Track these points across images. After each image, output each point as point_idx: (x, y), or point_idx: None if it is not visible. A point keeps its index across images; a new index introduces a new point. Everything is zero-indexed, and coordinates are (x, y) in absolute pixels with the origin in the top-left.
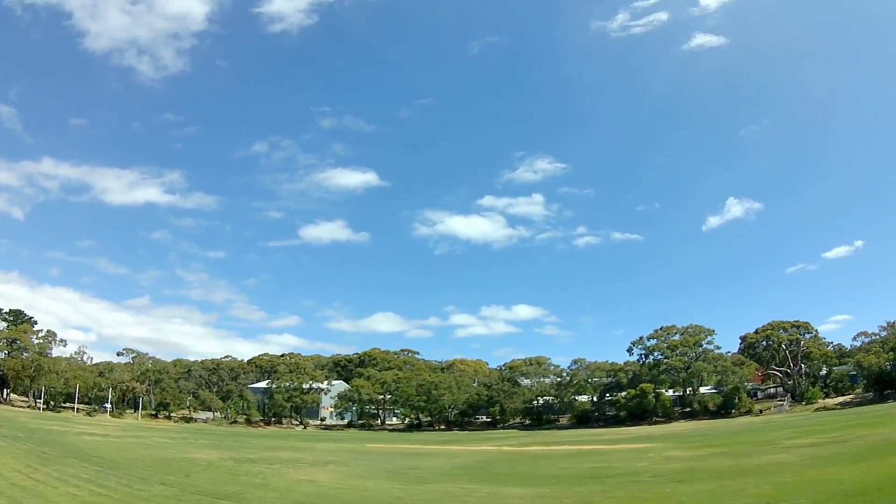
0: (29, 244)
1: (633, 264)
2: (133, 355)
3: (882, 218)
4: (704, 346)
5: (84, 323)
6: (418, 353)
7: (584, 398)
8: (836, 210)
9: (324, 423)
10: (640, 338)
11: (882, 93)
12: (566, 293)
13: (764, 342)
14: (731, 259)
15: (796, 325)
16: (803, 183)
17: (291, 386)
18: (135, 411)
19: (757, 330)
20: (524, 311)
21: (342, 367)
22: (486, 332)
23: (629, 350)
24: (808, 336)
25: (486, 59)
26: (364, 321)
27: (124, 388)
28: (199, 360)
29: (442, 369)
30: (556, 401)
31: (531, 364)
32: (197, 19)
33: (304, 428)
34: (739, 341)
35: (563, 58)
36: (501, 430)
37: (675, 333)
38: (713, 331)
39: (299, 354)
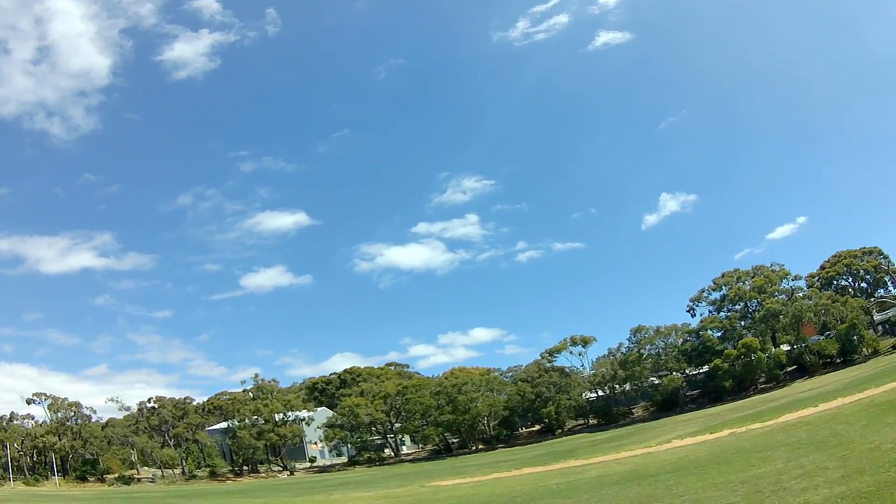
0: None
1: (578, 272)
2: (48, 402)
3: (822, 190)
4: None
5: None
6: (408, 367)
7: (655, 378)
8: (772, 190)
9: (315, 464)
10: (701, 291)
11: (796, 66)
12: (519, 310)
13: (846, 275)
14: (677, 253)
15: (868, 252)
16: (734, 168)
17: (260, 419)
18: (57, 475)
19: (823, 266)
20: (482, 334)
21: (320, 392)
22: (448, 360)
23: (690, 310)
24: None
25: (393, 83)
26: (324, 364)
27: (39, 445)
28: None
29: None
30: (623, 386)
31: (577, 343)
32: (101, 74)
33: (291, 474)
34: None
35: (470, 73)
36: (569, 438)
37: (742, 279)
38: (787, 270)
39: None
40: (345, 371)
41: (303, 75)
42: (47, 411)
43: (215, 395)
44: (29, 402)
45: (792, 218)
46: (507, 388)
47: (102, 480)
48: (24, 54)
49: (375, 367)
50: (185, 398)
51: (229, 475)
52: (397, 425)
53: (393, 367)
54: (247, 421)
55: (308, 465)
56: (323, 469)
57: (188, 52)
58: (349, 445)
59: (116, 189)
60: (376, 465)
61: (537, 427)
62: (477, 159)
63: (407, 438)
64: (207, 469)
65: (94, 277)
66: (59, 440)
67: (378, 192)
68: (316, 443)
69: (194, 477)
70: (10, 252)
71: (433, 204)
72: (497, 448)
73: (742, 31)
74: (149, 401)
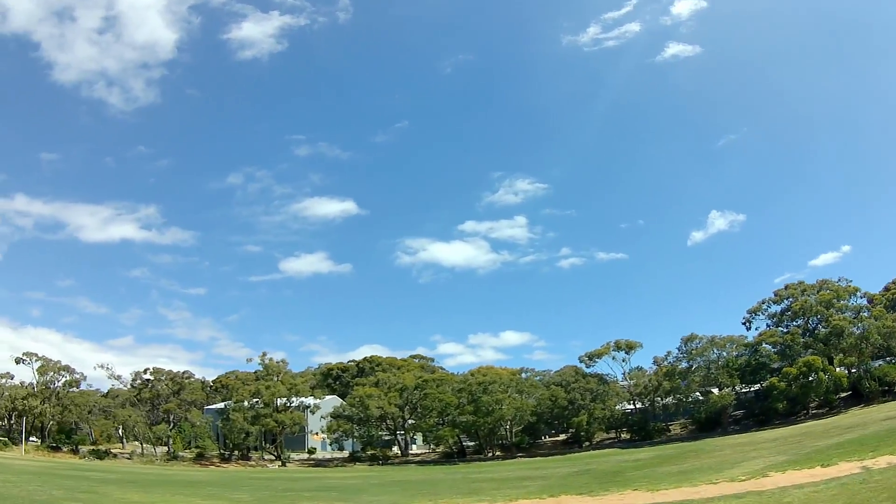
0: (8, 285)
1: (619, 284)
2: (38, 363)
3: (868, 221)
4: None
5: (72, 365)
6: (433, 361)
7: (700, 393)
8: (820, 216)
9: (313, 456)
10: (761, 303)
11: (860, 93)
12: (553, 317)
13: None
14: (718, 273)
15: None
16: (785, 191)
17: (259, 402)
18: (32, 442)
19: (888, 287)
20: (512, 337)
21: (335, 380)
22: (476, 360)
23: (746, 323)
24: None
25: (459, 78)
26: (349, 353)
27: (18, 407)
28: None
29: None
30: (665, 400)
31: (621, 348)
32: (166, 48)
33: (283, 465)
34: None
35: (536, 74)
36: (599, 454)
37: (807, 293)
38: (856, 287)
39: (274, 360)
40: (364, 359)
41: (368, 64)
42: (35, 373)
43: (225, 373)
44: (18, 361)
45: (836, 246)
46: (538, 391)
47: (76, 452)
48: (91, 23)
49: (399, 357)
50: (183, 372)
51: (215, 460)
52: (410, 422)
53: (417, 360)
54: (245, 403)
55: (306, 456)
56: (319, 463)
57: (256, 32)
58: (354, 439)
59: (167, 163)
60: (379, 464)
61: (562, 437)
62: (532, 161)
63: (419, 437)
64: (196, 450)
65: (133, 249)
66: (42, 405)
67: (430, 187)
68: (317, 433)
69: (176, 458)
70: (52, 217)
71: (484, 203)
72: (516, 456)
73: (810, 56)
74: (144, 371)
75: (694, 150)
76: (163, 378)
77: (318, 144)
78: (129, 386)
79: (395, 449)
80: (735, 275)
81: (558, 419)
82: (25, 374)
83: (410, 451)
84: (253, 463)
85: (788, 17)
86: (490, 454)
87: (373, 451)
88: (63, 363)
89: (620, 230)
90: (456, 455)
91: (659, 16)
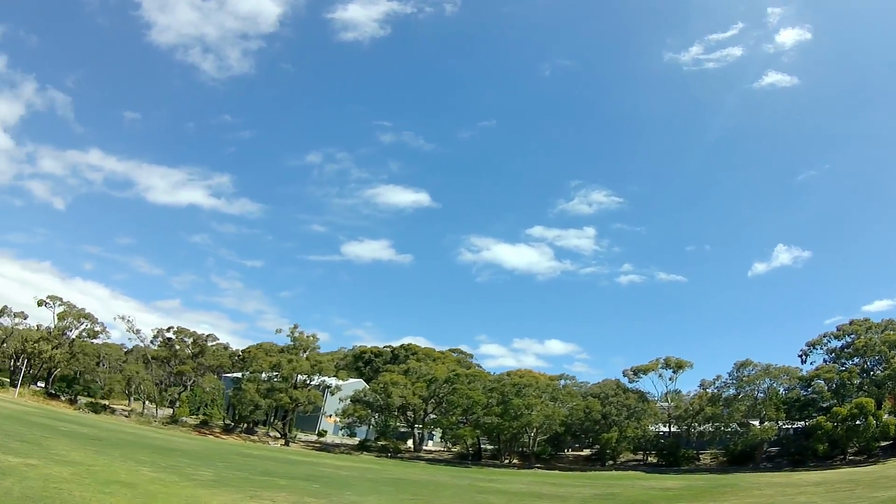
0: (66, 236)
1: (673, 306)
2: (60, 308)
3: None
4: None
5: (110, 320)
6: (472, 357)
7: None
8: (883, 261)
9: (321, 438)
10: (822, 336)
11: None
12: (601, 331)
13: None
14: (773, 307)
15: None
16: (853, 231)
17: (276, 376)
18: (39, 387)
19: None
20: (556, 346)
21: (366, 364)
22: (516, 364)
23: (802, 356)
24: None
25: (555, 83)
26: (391, 342)
27: (28, 350)
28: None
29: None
30: (703, 426)
31: (670, 366)
32: (268, 21)
33: (286, 443)
34: None
35: (631, 87)
36: (623, 475)
37: (872, 331)
38: None
39: (304, 334)
40: (401, 346)
41: (468, 58)
42: (55, 318)
43: (255, 344)
44: (40, 303)
45: (893, 294)
46: (573, 401)
47: (74, 402)
48: None
49: (437, 350)
50: (208, 335)
51: (217, 430)
52: (432, 416)
53: (455, 354)
54: (262, 374)
55: (314, 438)
56: (325, 447)
57: (361, 15)
58: (370, 427)
59: (249, 135)
60: (387, 457)
61: (585, 452)
62: (612, 173)
63: (437, 434)
64: (202, 418)
65: (199, 215)
66: (52, 350)
67: (505, 188)
68: (332, 416)
69: (177, 422)
70: (123, 175)
71: (556, 210)
72: (534, 467)
73: None
74: (167, 329)
75: (772, 182)
76: (185, 338)
77: (403, 133)
78: (148, 343)
79: (410, 443)
80: (789, 311)
81: (587, 433)
82: (47, 318)
83: (424, 447)
84: (255, 438)
85: (890, 59)
86: (507, 460)
87: (385, 442)
88: (87, 311)
89: (685, 252)
90: (471, 457)
91: (762, 42)
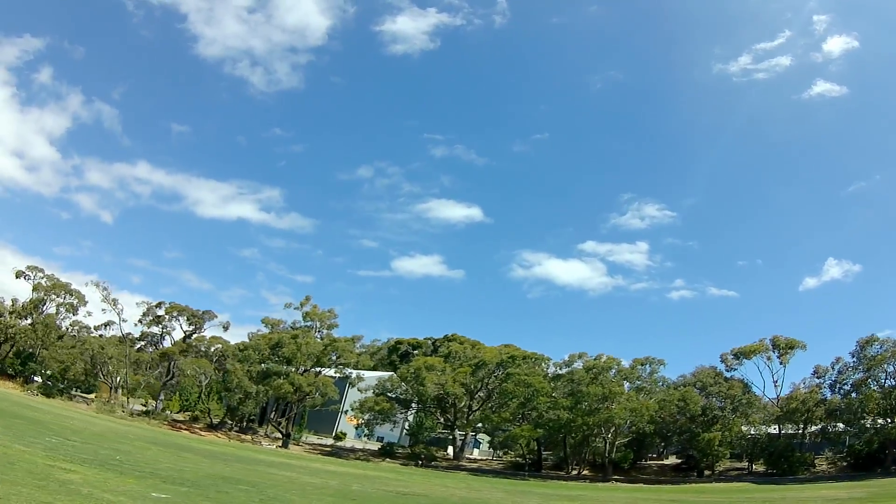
0: (114, 249)
1: (725, 321)
2: (39, 279)
3: None
4: None
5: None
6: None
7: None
8: None
9: (339, 442)
10: None
11: None
12: (652, 346)
13: None
14: (824, 322)
15: None
16: None
17: (278, 358)
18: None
19: None
20: None
21: (401, 357)
22: None
23: None
24: None
25: (606, 95)
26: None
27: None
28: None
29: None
30: (822, 424)
31: (779, 346)
32: (316, 34)
33: (284, 446)
34: None
35: (682, 99)
36: (733, 490)
37: None
38: None
39: (319, 308)
40: (444, 337)
41: (518, 71)
42: (32, 291)
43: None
44: (18, 275)
45: None
46: (668, 392)
47: (28, 382)
48: (242, 1)
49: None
50: (204, 311)
51: (198, 426)
52: (476, 413)
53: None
54: (251, 352)
55: (331, 440)
56: (336, 451)
57: (410, 28)
58: (401, 427)
59: (300, 149)
60: (417, 465)
61: (671, 459)
62: (665, 187)
63: (484, 441)
64: (195, 413)
65: (249, 230)
66: (14, 320)
67: (558, 202)
68: (353, 416)
69: (149, 415)
70: (171, 189)
71: (609, 225)
72: (610, 479)
73: None
74: (157, 305)
75: (823, 194)
76: (178, 315)
77: (455, 147)
78: (137, 321)
79: (450, 451)
80: (839, 325)
81: (680, 433)
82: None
83: (468, 456)
84: (248, 438)
85: None
86: (575, 471)
87: (417, 449)
88: (69, 285)
89: (737, 267)
90: (528, 467)
91: (810, 51)
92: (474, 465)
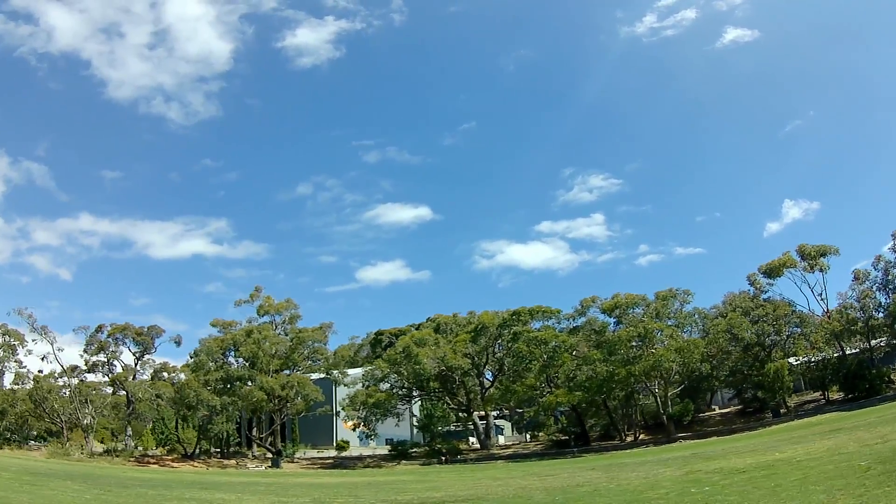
0: (80, 305)
1: (698, 279)
2: None
3: None
4: None
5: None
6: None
7: None
8: (892, 197)
9: (343, 453)
10: None
11: None
12: None
13: None
14: None
15: None
16: (858, 175)
17: (237, 361)
18: None
19: None
20: None
21: (385, 349)
22: None
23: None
24: None
25: (522, 75)
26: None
27: None
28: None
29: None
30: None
31: (808, 256)
32: (221, 59)
33: (275, 465)
34: None
35: (598, 68)
36: (823, 421)
37: None
38: None
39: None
40: (428, 320)
41: (429, 65)
42: None
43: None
44: None
45: None
46: (712, 323)
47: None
48: (140, 38)
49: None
50: (150, 327)
51: (167, 458)
52: (492, 389)
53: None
54: (208, 361)
55: (334, 452)
56: (341, 462)
57: (312, 39)
58: (407, 423)
59: (235, 176)
60: (442, 462)
61: (733, 406)
62: (604, 156)
63: (506, 427)
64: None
65: (206, 264)
66: None
67: (502, 188)
68: (351, 421)
69: (110, 453)
70: (119, 236)
71: (559, 202)
72: (676, 438)
73: (873, 29)
74: (98, 329)
75: (761, 138)
76: (124, 336)
77: (387, 150)
78: (80, 353)
79: (473, 440)
80: None
81: (734, 372)
82: None
83: (496, 443)
84: (232, 463)
85: None
86: (630, 437)
87: (436, 444)
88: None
89: (697, 224)
90: (575, 441)
91: (712, 0)
92: (508, 452)
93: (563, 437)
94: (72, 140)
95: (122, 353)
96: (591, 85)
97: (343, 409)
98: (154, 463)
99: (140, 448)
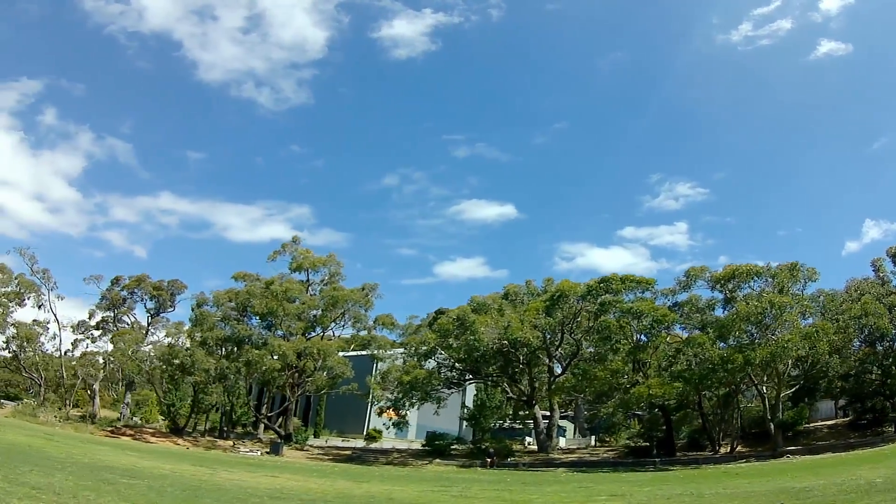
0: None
1: None
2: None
3: None
4: None
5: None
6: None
7: None
8: None
9: (372, 444)
10: None
11: None
12: None
13: None
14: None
15: None
16: None
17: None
18: None
19: None
20: None
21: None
22: None
23: None
24: None
25: (616, 78)
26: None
27: None
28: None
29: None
30: None
31: None
32: (315, 47)
33: (272, 451)
34: None
35: (692, 74)
36: None
37: None
38: None
39: (314, 254)
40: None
41: (524, 62)
42: None
43: None
44: None
45: None
46: (835, 308)
47: None
48: (233, 22)
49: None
50: (172, 281)
51: (148, 432)
52: (565, 376)
53: None
54: (215, 311)
55: (362, 442)
56: (359, 455)
57: (408, 31)
58: (457, 415)
59: (321, 164)
60: (486, 466)
61: (839, 417)
62: (692, 164)
63: (569, 428)
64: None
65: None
66: None
67: (588, 191)
68: (390, 409)
69: (87, 419)
70: (199, 216)
71: (644, 208)
72: (783, 454)
73: None
74: (115, 281)
75: (848, 154)
76: (140, 291)
77: (477, 146)
78: (91, 310)
79: (530, 442)
80: None
81: (864, 371)
82: None
83: (556, 445)
84: (227, 443)
85: None
86: (727, 447)
87: (486, 441)
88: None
89: (778, 238)
90: (659, 449)
91: (808, 11)
92: (571, 458)
93: (643, 444)
94: (158, 119)
95: (135, 309)
96: (683, 90)
97: (371, 386)
98: (129, 435)
99: (136, 418)
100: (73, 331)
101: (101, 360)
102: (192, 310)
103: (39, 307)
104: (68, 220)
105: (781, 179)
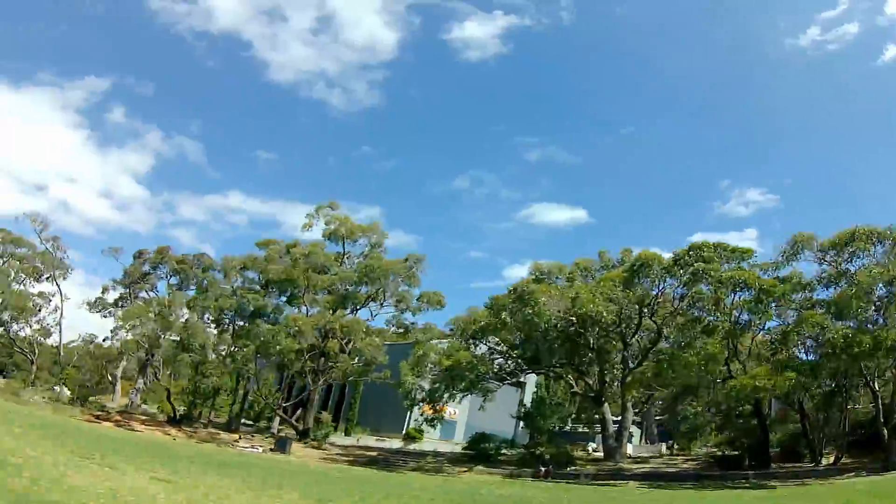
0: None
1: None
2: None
3: None
4: None
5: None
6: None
7: None
8: None
9: (411, 445)
10: None
11: None
12: None
13: None
14: None
15: None
16: None
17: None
18: None
19: None
20: None
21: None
22: None
23: None
24: None
25: (682, 82)
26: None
27: None
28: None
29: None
30: None
31: None
32: (386, 48)
33: (278, 448)
34: None
35: (760, 78)
36: None
37: None
38: None
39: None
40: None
41: (595, 65)
42: None
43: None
44: None
45: None
46: None
47: None
48: (303, 23)
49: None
50: (198, 255)
51: (138, 421)
52: (643, 367)
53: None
54: (224, 280)
55: (399, 442)
56: (385, 458)
57: (480, 33)
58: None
59: (392, 165)
60: (538, 478)
61: None
62: (762, 170)
63: (635, 433)
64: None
65: None
66: None
67: (658, 195)
68: (431, 404)
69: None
70: (269, 215)
71: (714, 214)
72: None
73: None
74: (138, 255)
75: None
76: (164, 265)
77: (548, 148)
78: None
79: (593, 447)
80: None
81: None
82: None
83: (626, 453)
84: (232, 437)
85: None
86: (828, 458)
87: (542, 446)
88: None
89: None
90: (753, 460)
91: (874, 15)
92: (644, 468)
93: (732, 452)
94: (227, 118)
95: (157, 285)
96: (752, 95)
97: (404, 370)
98: (114, 421)
99: (145, 405)
100: (90, 309)
101: (117, 344)
102: (196, 275)
103: (47, 278)
104: (136, 217)
105: (849, 186)
